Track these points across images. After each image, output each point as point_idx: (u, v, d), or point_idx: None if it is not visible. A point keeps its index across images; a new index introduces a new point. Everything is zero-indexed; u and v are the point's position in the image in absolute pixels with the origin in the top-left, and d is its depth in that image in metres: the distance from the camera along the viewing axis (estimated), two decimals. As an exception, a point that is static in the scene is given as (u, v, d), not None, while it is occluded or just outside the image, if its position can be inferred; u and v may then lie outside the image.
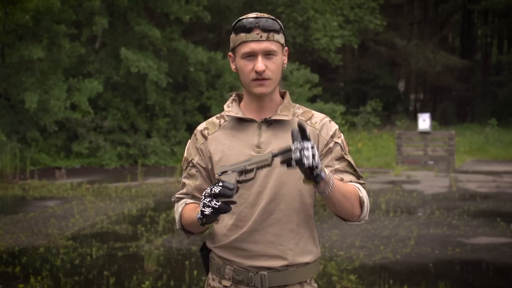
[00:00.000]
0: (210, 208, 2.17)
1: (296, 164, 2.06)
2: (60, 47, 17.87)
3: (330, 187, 2.21)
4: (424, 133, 17.62)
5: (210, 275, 2.55)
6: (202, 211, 2.20)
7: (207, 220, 2.25)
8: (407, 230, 8.97)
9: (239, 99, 2.57)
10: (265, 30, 2.36)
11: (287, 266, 2.42)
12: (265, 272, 2.41)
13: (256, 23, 2.36)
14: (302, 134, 2.07)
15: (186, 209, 2.48)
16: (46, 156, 18.26)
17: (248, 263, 2.42)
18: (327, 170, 2.21)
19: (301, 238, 2.45)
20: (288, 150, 2.08)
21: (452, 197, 12.00)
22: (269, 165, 2.25)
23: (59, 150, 19.01)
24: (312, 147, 2.06)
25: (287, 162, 2.07)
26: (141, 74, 18.72)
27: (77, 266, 7.19)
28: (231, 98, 2.57)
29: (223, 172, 2.27)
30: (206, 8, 21.23)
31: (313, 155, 2.06)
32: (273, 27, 2.38)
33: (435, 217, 9.99)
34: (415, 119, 25.86)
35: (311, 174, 2.11)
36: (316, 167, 2.08)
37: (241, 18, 2.41)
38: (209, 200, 2.18)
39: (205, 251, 2.56)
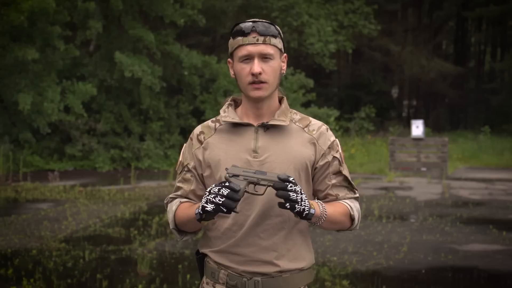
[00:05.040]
0: (213, 205, 2.21)
1: (288, 205, 2.23)
2: (54, 49, 17.82)
3: (323, 219, 2.35)
4: (417, 139, 17.64)
5: (204, 279, 2.55)
6: (203, 207, 2.23)
7: (206, 216, 2.27)
8: (400, 236, 8.98)
9: (235, 103, 2.58)
10: (261, 34, 2.38)
11: (280, 272, 2.43)
12: (259, 278, 2.42)
13: (253, 27, 2.39)
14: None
15: (181, 207, 2.48)
16: (39, 158, 18.21)
17: (242, 268, 2.42)
18: (318, 206, 2.34)
19: (294, 244, 2.46)
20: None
21: (444, 204, 12.01)
22: None
23: (52, 152, 18.95)
24: (300, 192, 2.24)
25: (281, 196, 2.23)
26: (135, 78, 18.70)
27: (69, 269, 7.17)
28: (227, 103, 2.56)
29: (234, 175, 2.28)
30: (201, 12, 21.23)
31: (301, 199, 2.24)
32: (269, 31, 2.40)
33: (427, 223, 10.00)
34: (408, 126, 25.90)
35: (301, 216, 2.26)
36: (304, 210, 2.24)
37: (238, 22, 2.44)
38: (213, 196, 2.21)
39: (200, 255, 2.56)
